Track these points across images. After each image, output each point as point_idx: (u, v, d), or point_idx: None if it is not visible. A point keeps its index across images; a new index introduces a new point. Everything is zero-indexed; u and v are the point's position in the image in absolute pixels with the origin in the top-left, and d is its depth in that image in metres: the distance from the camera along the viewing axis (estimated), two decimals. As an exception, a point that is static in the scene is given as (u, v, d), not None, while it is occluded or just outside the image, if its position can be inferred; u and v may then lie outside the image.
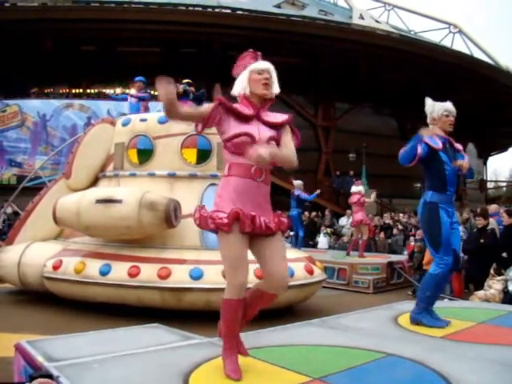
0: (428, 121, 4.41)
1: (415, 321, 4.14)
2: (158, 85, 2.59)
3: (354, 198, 11.82)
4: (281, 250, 2.95)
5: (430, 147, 4.12)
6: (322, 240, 14.80)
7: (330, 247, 14.61)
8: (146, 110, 9.50)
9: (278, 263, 2.87)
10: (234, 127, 2.86)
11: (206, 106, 2.88)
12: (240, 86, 2.97)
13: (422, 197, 4.34)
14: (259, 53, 3.04)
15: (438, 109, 4.32)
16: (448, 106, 4.33)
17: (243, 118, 2.89)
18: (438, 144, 4.16)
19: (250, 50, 3.06)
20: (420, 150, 4.08)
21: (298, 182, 12.05)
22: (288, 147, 2.94)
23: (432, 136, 4.18)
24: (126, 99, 9.85)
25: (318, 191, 12.63)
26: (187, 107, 2.94)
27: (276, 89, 3.00)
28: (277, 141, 2.95)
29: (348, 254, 11.64)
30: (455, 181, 4.26)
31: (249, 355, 2.97)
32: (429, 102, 4.42)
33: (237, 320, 2.86)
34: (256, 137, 2.85)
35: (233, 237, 2.76)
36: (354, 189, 12.03)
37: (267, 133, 2.92)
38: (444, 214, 4.11)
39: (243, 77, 2.97)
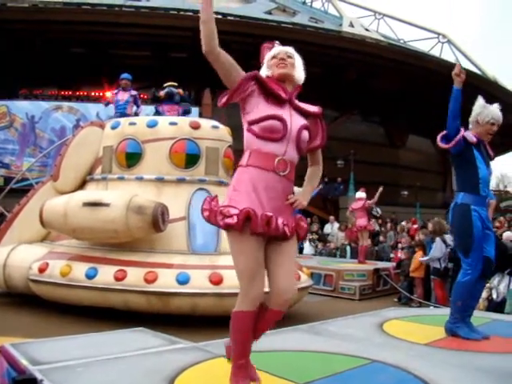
0: (470, 119, 4.22)
1: (451, 332, 3.97)
2: None
3: (358, 204, 11.89)
4: (292, 259, 2.64)
5: (465, 140, 3.97)
6: (307, 247, 14.81)
7: (317, 253, 14.63)
8: (135, 102, 9.34)
9: (283, 275, 2.55)
10: (263, 108, 2.56)
11: (240, 73, 2.54)
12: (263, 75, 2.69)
13: (454, 199, 4.11)
14: (275, 42, 2.84)
15: (486, 114, 4.12)
16: (497, 113, 4.12)
17: (276, 100, 2.60)
18: (473, 138, 4.01)
19: (266, 42, 2.87)
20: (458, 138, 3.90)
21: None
22: (320, 166, 2.81)
23: (470, 133, 4.05)
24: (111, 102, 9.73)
25: (320, 186, 12.50)
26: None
27: (299, 72, 2.71)
28: (308, 130, 2.67)
29: (360, 262, 11.49)
30: (489, 182, 4.05)
31: (261, 380, 2.66)
32: (480, 102, 4.19)
33: (250, 334, 2.55)
34: (288, 123, 2.56)
35: (246, 239, 2.45)
36: (358, 195, 12.16)
37: (300, 120, 2.64)
38: (476, 217, 3.87)
39: (263, 69, 2.75)
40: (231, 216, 2.43)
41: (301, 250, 14.70)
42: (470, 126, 4.20)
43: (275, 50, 2.75)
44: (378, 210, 13.97)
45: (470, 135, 4.06)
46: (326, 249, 14.94)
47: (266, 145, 2.54)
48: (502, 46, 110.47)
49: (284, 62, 2.67)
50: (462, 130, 4.03)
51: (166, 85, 9.14)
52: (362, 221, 11.82)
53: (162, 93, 8.91)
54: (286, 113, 2.60)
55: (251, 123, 2.58)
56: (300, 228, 2.65)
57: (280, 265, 2.56)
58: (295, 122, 2.61)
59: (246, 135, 2.63)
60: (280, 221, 2.50)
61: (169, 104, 8.85)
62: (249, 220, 2.42)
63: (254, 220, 2.42)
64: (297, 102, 2.71)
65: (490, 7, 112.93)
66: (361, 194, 12.15)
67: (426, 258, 8.80)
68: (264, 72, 2.73)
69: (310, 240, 14.91)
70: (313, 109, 2.77)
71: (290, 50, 2.76)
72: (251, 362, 2.66)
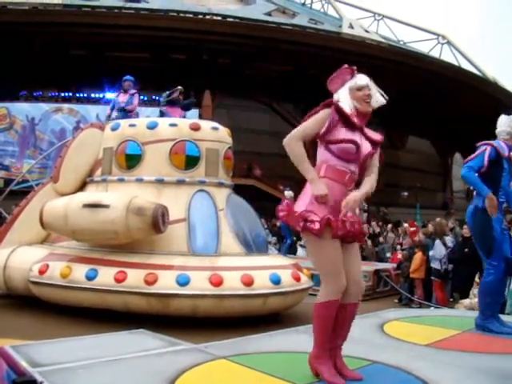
0: (500, 130, 4.35)
1: (482, 327, 4.15)
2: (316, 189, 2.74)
3: None
4: (359, 257, 3.04)
5: (497, 152, 4.16)
6: (300, 250, 14.73)
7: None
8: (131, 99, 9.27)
9: (357, 271, 2.93)
10: (342, 132, 2.86)
11: (319, 121, 2.86)
12: (346, 105, 2.93)
13: (472, 203, 4.32)
14: (355, 67, 3.03)
15: None
16: None
17: (352, 127, 2.89)
18: (505, 152, 4.20)
19: (346, 65, 3.03)
20: (486, 159, 4.11)
21: (289, 193, 12.06)
22: (374, 177, 3.00)
23: (502, 144, 4.22)
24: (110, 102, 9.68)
25: None
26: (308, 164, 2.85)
27: (376, 100, 2.98)
28: (372, 157, 2.99)
29: None
30: (506, 189, 4.27)
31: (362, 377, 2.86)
32: (504, 119, 4.36)
33: (333, 321, 2.83)
34: (361, 148, 2.89)
35: (326, 242, 2.77)
36: None
37: (368, 147, 2.94)
38: (495, 221, 4.12)
39: (344, 95, 2.95)
40: (313, 222, 2.75)
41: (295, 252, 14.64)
42: (507, 137, 4.31)
43: (361, 82, 2.95)
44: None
45: (503, 147, 4.21)
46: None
47: (341, 163, 2.87)
48: (502, 46, 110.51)
49: (369, 98, 2.94)
50: (489, 146, 4.18)
51: (176, 89, 9.02)
52: None
53: (176, 95, 8.81)
54: (358, 138, 2.90)
55: (330, 143, 2.87)
56: (362, 229, 3.03)
57: (352, 263, 2.92)
58: (365, 147, 2.93)
59: (323, 152, 2.92)
60: (350, 224, 2.84)
61: (173, 107, 8.82)
62: (329, 226, 2.75)
63: (334, 225, 2.76)
64: (366, 130, 3.00)
65: (489, 7, 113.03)
66: None
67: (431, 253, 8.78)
68: (346, 99, 2.93)
69: (300, 245, 14.76)
70: (377, 137, 3.06)
71: (368, 79, 2.99)
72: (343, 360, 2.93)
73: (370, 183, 2.96)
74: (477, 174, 4.18)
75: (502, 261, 4.10)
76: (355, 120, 2.91)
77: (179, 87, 8.95)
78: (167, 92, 8.87)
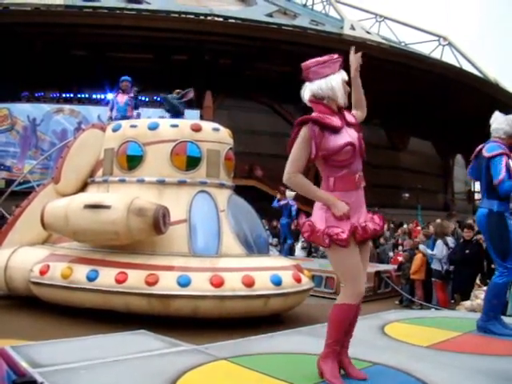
0: (498, 127, 4.33)
1: (484, 329, 4.17)
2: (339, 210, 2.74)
3: None
4: (368, 256, 3.05)
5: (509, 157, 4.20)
6: (298, 250, 14.74)
7: (319, 256, 14.59)
8: (135, 108, 9.22)
9: (364, 272, 2.93)
10: (332, 140, 2.78)
11: (302, 141, 2.77)
12: (339, 94, 2.87)
13: (483, 206, 4.30)
14: (339, 59, 3.00)
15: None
16: None
17: (337, 129, 2.82)
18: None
19: (336, 55, 2.98)
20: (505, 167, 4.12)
21: (290, 194, 12.02)
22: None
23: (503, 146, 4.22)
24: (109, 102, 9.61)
25: None
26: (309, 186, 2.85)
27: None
28: (358, 139, 2.92)
29: None
30: None
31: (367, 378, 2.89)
32: (501, 118, 4.35)
33: (346, 327, 2.86)
34: (355, 143, 2.85)
35: (350, 250, 2.78)
36: None
37: (355, 134, 2.90)
38: (509, 223, 4.17)
39: (338, 84, 2.88)
40: (338, 234, 2.73)
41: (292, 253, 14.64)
42: (504, 136, 4.29)
43: (345, 77, 2.92)
44: None
45: (505, 148, 4.20)
46: (320, 252, 14.87)
47: (346, 169, 2.82)
48: (504, 47, 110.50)
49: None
50: (504, 156, 4.15)
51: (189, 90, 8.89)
52: None
53: (192, 95, 8.70)
54: (347, 135, 2.83)
55: (327, 157, 2.81)
56: (381, 221, 2.97)
57: (365, 260, 2.95)
58: (353, 136, 2.87)
59: (324, 167, 2.86)
60: (371, 226, 2.86)
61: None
62: (353, 234, 2.78)
63: (358, 233, 2.79)
64: (346, 116, 2.93)
65: (489, 8, 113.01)
66: None
67: (428, 251, 8.77)
68: (339, 90, 2.87)
69: (302, 244, 14.76)
70: (353, 118, 2.98)
71: None
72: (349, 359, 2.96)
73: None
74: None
75: None
76: (336, 122, 2.82)
77: (190, 89, 8.82)
78: (176, 94, 8.65)
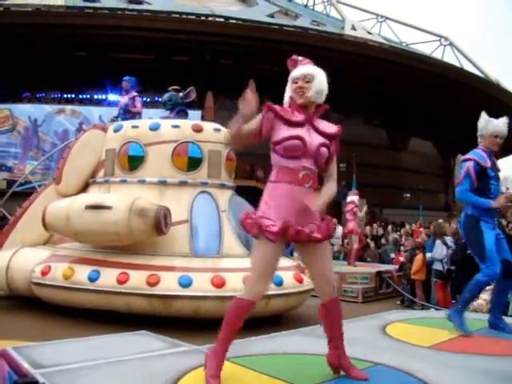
0: (478, 134, 4.39)
1: (449, 318, 4.32)
2: (245, 102, 2.68)
3: (348, 207, 11.98)
4: (329, 256, 3.05)
5: (480, 165, 4.20)
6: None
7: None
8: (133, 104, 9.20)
9: (328, 268, 2.94)
10: (284, 130, 2.82)
11: (256, 120, 2.81)
12: (286, 96, 2.95)
13: (463, 210, 4.37)
14: (298, 58, 2.98)
15: (490, 128, 4.29)
16: (500, 128, 4.30)
17: (290, 123, 2.84)
18: (487, 162, 4.23)
19: (294, 56, 3.00)
20: (474, 176, 4.17)
21: None
22: (332, 180, 2.96)
23: (481, 154, 4.25)
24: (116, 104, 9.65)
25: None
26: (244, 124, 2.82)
27: (318, 93, 2.86)
28: (328, 148, 2.89)
29: (350, 264, 11.59)
30: (498, 195, 4.28)
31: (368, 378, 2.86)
32: (484, 117, 4.36)
33: (239, 324, 2.80)
34: (307, 141, 2.81)
35: (273, 247, 2.74)
36: (349, 198, 12.20)
37: (318, 139, 2.86)
38: (487, 227, 4.15)
39: (288, 87, 2.95)
40: (268, 226, 2.71)
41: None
42: (479, 140, 4.37)
43: (295, 73, 2.89)
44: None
45: (484, 157, 4.24)
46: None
47: (291, 161, 2.81)
48: (505, 47, 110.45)
49: (302, 90, 2.85)
50: (471, 161, 4.21)
51: (171, 88, 8.92)
52: (350, 224, 11.87)
53: (194, 95, 8.72)
54: (305, 132, 2.83)
55: (275, 144, 2.85)
56: (329, 229, 2.89)
57: (322, 263, 2.90)
58: (314, 140, 2.84)
59: (273, 156, 2.90)
60: (307, 230, 2.76)
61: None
62: (284, 232, 2.72)
63: (289, 233, 2.72)
64: (317, 122, 2.91)
65: (490, 8, 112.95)
66: (351, 198, 12.17)
67: (428, 255, 8.82)
68: (287, 92, 2.94)
69: None
70: (330, 130, 2.95)
71: (309, 70, 2.88)
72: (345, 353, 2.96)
73: (327, 192, 2.86)
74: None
75: (497, 265, 4.10)
76: (292, 118, 2.84)
77: (174, 87, 8.83)
78: (173, 90, 8.63)
